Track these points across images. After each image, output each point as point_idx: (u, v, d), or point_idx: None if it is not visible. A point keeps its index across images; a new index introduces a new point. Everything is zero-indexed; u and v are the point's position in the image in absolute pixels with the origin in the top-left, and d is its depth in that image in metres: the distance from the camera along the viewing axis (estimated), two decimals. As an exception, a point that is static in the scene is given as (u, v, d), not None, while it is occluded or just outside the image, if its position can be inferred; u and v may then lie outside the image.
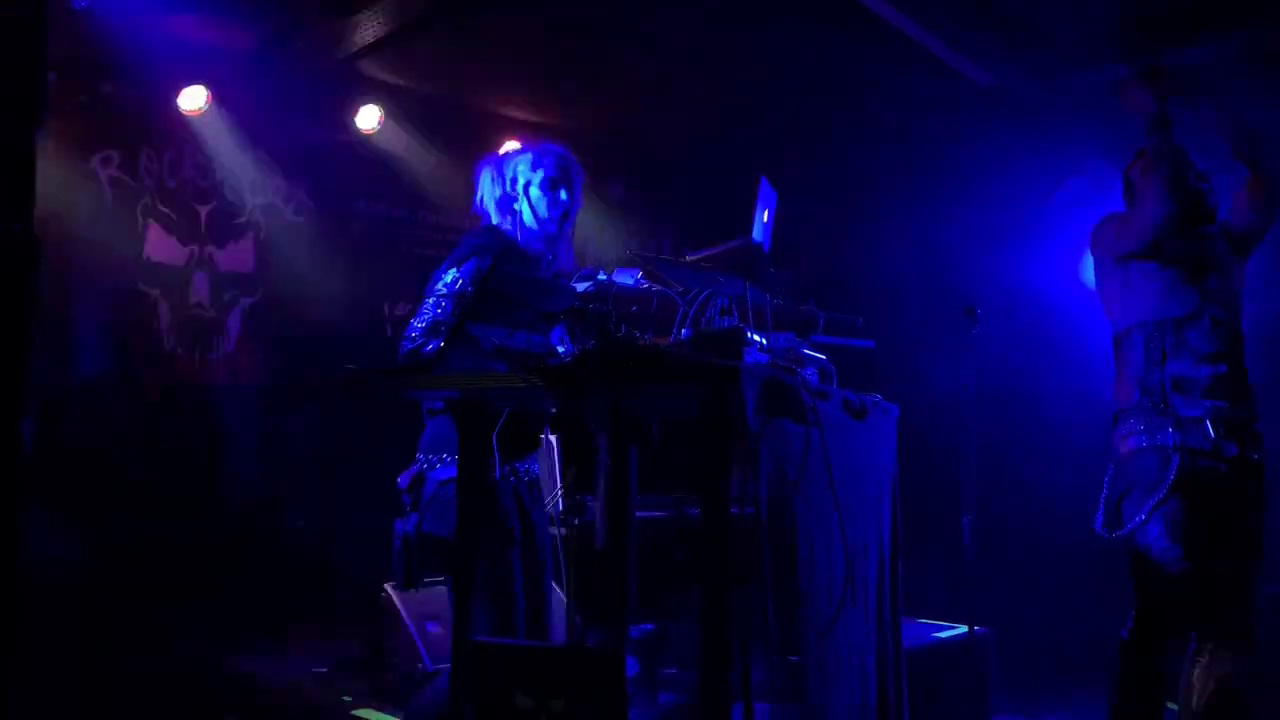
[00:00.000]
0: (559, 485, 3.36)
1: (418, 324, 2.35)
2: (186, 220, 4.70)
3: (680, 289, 2.75)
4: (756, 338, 1.98)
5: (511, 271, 2.29)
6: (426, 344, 2.29)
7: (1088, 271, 4.71)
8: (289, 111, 4.88)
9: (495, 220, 2.59)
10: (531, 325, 2.03)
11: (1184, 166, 2.58)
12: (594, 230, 6.17)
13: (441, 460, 2.37)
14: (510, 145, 2.72)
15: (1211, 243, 2.62)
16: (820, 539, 1.95)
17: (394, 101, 5.02)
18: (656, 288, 2.74)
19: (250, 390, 4.80)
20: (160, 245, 4.62)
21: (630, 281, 2.74)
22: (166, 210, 4.64)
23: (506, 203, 2.58)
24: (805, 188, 5.98)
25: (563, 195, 2.56)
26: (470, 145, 5.48)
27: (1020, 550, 4.66)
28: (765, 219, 3.45)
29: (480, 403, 2.20)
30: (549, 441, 3.43)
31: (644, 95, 5.18)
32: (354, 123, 4.94)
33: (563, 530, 3.09)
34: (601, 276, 2.69)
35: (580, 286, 2.53)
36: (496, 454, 2.36)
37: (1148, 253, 2.56)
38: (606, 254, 6.09)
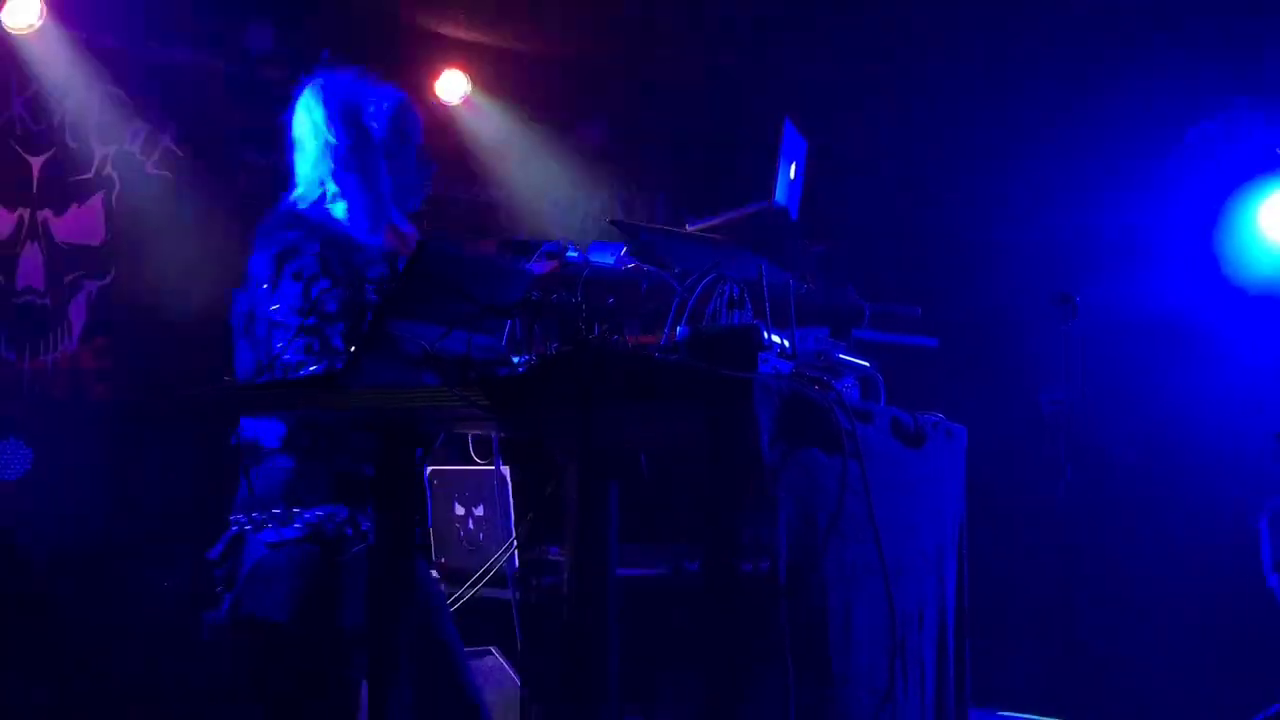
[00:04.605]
0: (514, 534, 3.37)
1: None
2: (13, 176, 4.70)
3: (677, 271, 2.77)
4: (776, 339, 2.01)
5: (449, 250, 2.30)
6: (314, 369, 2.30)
7: (1228, 247, 4.75)
8: (153, 30, 4.88)
9: (305, 192, 2.53)
10: (474, 323, 2.04)
11: None
12: (560, 190, 6.18)
13: (271, 518, 2.37)
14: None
15: None
16: (860, 606, 1.97)
17: (294, 17, 5.03)
18: (645, 269, 2.76)
19: (99, 404, 4.80)
20: (-23, 210, 4.63)
21: (610, 261, 2.76)
22: (-14, 162, 4.65)
23: (346, 162, 2.51)
24: (846, 134, 6.01)
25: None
26: (396, 74, 5.49)
27: (1134, 620, 4.70)
28: (792, 176, 3.48)
29: (407, 427, 2.22)
30: (501, 475, 3.45)
31: (629, 8, 5.20)
32: (240, 45, 4.95)
33: (518, 594, 3.12)
34: (572, 254, 2.71)
35: (541, 269, 2.54)
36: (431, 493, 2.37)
37: None
38: (577, 223, 6.11)
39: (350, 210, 2.51)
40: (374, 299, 2.44)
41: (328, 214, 2.51)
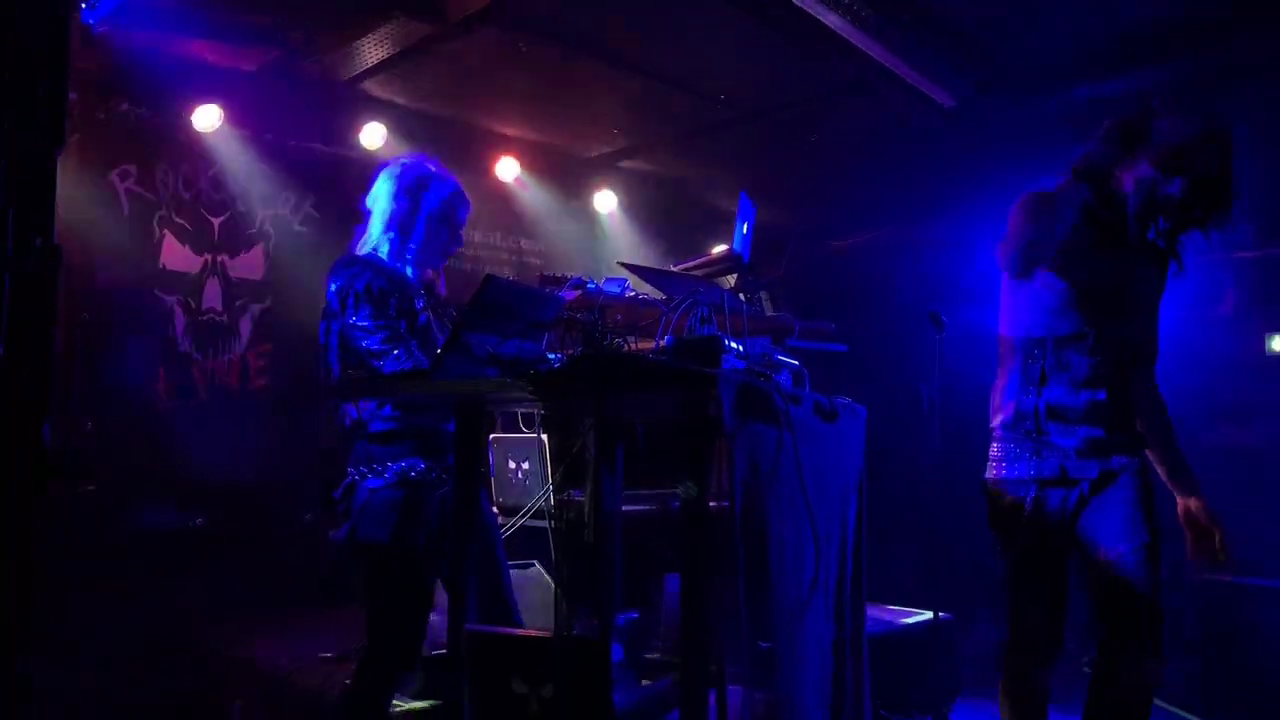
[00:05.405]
0: (550, 481, 3.38)
1: (380, 347, 2.32)
2: (200, 230, 4.71)
3: (665, 298, 2.78)
4: (733, 345, 2.01)
5: (505, 283, 2.32)
6: (395, 353, 2.30)
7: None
8: (297, 129, 4.90)
9: (379, 235, 2.49)
10: (522, 333, 2.05)
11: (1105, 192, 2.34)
12: (586, 240, 6.20)
13: (372, 470, 2.37)
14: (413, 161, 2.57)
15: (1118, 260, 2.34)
16: (790, 533, 1.97)
17: (396, 120, 5.05)
18: (642, 296, 2.76)
19: (261, 390, 4.82)
20: (175, 254, 4.64)
21: (618, 291, 2.77)
22: (181, 221, 4.66)
23: (399, 224, 2.47)
24: (784, 202, 6.03)
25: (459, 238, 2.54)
26: (467, 159, 5.52)
27: (981, 536, 4.69)
28: (745, 231, 3.48)
29: (477, 405, 2.23)
30: (541, 440, 3.46)
31: (631, 114, 5.22)
32: (359, 140, 4.97)
33: (552, 523, 3.12)
34: (590, 286, 2.72)
35: (569, 295, 2.55)
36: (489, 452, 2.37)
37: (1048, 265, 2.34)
38: (596, 265, 6.13)
39: (392, 256, 2.50)
40: (420, 306, 2.44)
41: (378, 257, 2.49)
